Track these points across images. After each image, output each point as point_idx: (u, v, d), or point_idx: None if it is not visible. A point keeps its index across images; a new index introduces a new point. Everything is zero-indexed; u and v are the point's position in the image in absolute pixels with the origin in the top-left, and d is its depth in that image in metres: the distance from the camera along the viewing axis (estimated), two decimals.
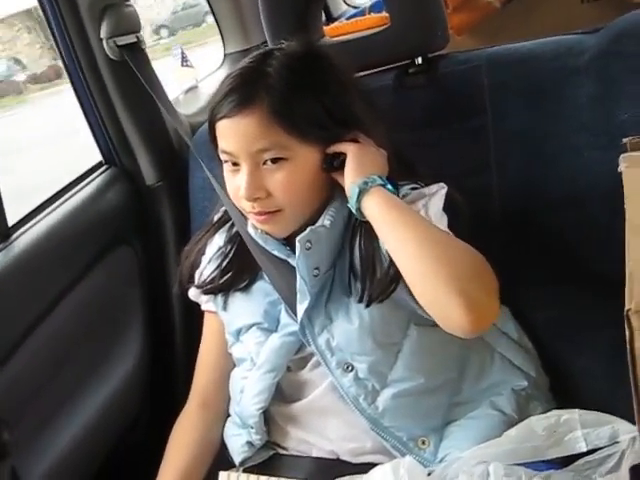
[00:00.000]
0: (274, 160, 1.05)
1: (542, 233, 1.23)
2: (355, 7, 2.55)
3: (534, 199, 1.24)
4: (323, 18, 2.09)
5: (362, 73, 1.33)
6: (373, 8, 1.88)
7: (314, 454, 1.14)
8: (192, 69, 1.93)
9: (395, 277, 1.03)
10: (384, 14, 1.36)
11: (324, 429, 1.13)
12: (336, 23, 1.64)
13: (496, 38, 1.39)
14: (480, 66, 1.28)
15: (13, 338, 1.22)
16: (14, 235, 1.31)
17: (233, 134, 1.06)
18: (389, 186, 1.03)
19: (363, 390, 1.07)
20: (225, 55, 2.06)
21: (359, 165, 1.05)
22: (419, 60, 1.33)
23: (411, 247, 0.99)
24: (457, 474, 1.00)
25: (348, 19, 1.82)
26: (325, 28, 1.46)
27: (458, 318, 0.94)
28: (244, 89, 1.05)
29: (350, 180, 1.04)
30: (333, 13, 2.50)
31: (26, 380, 1.21)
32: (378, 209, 1.02)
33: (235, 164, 1.08)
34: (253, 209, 1.08)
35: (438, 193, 1.08)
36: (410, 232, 0.99)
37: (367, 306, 1.06)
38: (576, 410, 1.01)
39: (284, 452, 1.17)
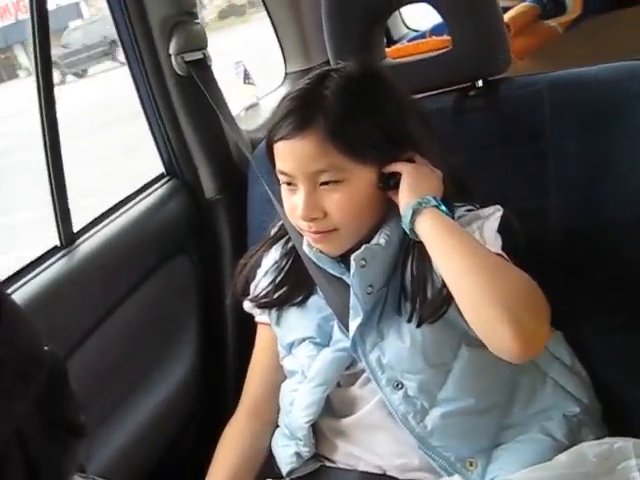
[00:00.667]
0: (331, 182, 1.06)
1: (599, 258, 1.22)
2: (416, 30, 2.56)
3: (592, 224, 1.23)
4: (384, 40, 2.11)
5: (422, 95, 1.34)
6: (434, 31, 1.90)
7: (361, 468, 1.14)
8: (253, 86, 1.97)
9: (447, 299, 1.03)
10: (446, 37, 1.38)
11: (372, 444, 1.13)
12: (397, 45, 1.66)
13: (558, 62, 1.38)
14: (541, 90, 1.28)
15: (73, 340, 1.25)
16: (78, 240, 1.36)
17: (290, 156, 1.07)
18: (443, 207, 1.03)
19: (412, 408, 1.07)
20: (286, 74, 2.09)
21: (414, 185, 1.05)
22: (480, 83, 1.34)
23: (462, 270, 0.99)
24: None
25: (409, 42, 1.84)
26: (387, 50, 1.47)
27: (507, 344, 0.94)
28: (301, 112, 1.06)
29: (404, 200, 1.05)
30: (393, 36, 2.52)
31: (84, 381, 1.24)
32: (431, 230, 1.02)
33: (292, 184, 1.09)
34: (309, 228, 1.09)
35: (493, 215, 1.08)
36: (462, 255, 1.00)
37: (418, 326, 1.06)
38: (630, 438, 1.00)
39: (331, 465, 1.17)
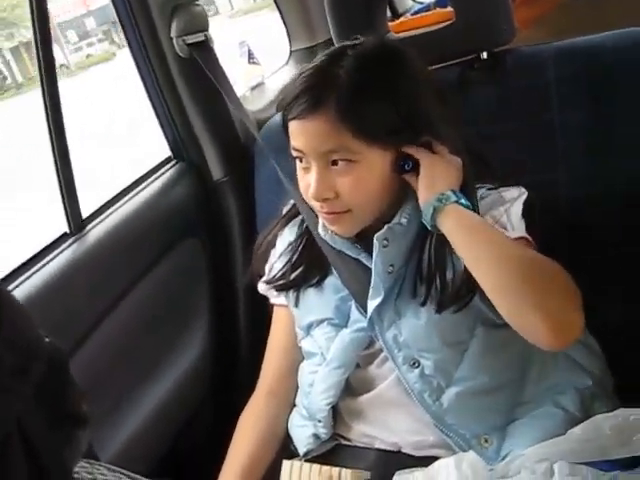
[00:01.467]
0: (342, 161, 1.04)
1: (608, 229, 1.21)
2: (420, 2, 2.54)
3: (601, 195, 1.22)
4: (388, 14, 2.09)
5: None
6: (439, 3, 1.87)
7: (377, 446, 1.15)
8: (259, 66, 1.96)
9: (471, 288, 1.02)
10: (450, 9, 1.36)
11: (388, 421, 1.13)
12: (401, 19, 1.64)
13: (564, 30, 1.36)
14: (547, 60, 1.27)
15: (85, 325, 1.27)
16: (88, 227, 1.36)
17: (302, 135, 1.06)
18: (463, 201, 1.02)
19: (428, 387, 1.07)
20: (291, 52, 2.07)
21: (432, 180, 1.03)
22: (484, 55, 1.32)
23: (489, 264, 0.98)
24: (519, 470, 1.00)
25: (413, 15, 1.82)
26: (390, 24, 1.46)
27: (543, 335, 0.94)
28: (314, 91, 1.04)
29: (423, 198, 1.03)
30: (398, 9, 2.49)
31: (96, 366, 1.26)
32: (453, 227, 1.01)
33: (306, 162, 1.08)
34: (322, 209, 1.09)
35: (519, 199, 1.07)
36: (487, 249, 0.99)
37: (437, 312, 1.06)
38: None
39: (347, 443, 1.18)
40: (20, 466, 0.37)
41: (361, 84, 1.04)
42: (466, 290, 1.02)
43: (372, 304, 1.09)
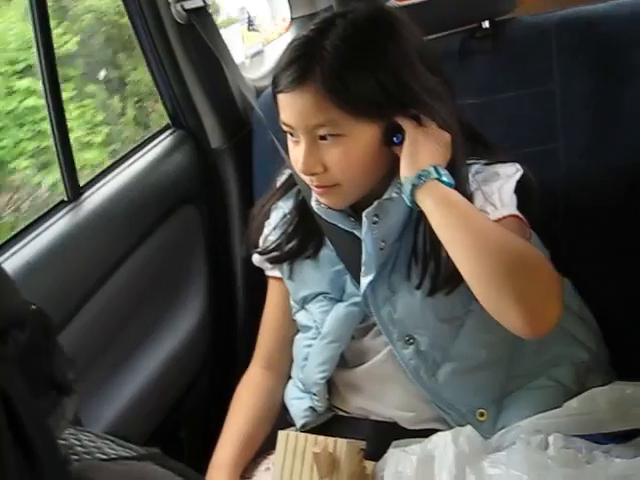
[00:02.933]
0: (330, 136, 1.02)
1: (606, 202, 1.21)
2: None
3: (601, 167, 1.21)
4: None
5: (427, 38, 1.31)
6: None
7: (372, 418, 1.15)
8: (258, 33, 1.94)
9: None
10: None
11: (383, 396, 1.13)
12: None
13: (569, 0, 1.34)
14: (549, 29, 1.25)
15: (82, 293, 1.26)
16: (85, 194, 1.35)
17: (290, 108, 1.04)
18: (444, 178, 0.99)
19: (424, 363, 1.07)
20: (292, 19, 2.04)
21: (415, 155, 1.01)
22: (486, 24, 1.30)
23: (465, 249, 0.96)
24: (514, 441, 1.00)
25: None
26: None
27: (518, 324, 0.93)
28: (300, 64, 1.02)
29: (404, 172, 1.01)
30: None
31: (93, 334, 1.26)
32: (431, 205, 0.98)
33: (295, 135, 1.06)
34: (312, 182, 1.07)
35: (514, 176, 1.05)
36: (465, 232, 0.96)
37: (429, 295, 1.04)
38: None
39: (344, 414, 1.18)
40: (3, 432, 0.37)
41: (346, 56, 1.01)
42: (459, 275, 0.99)
43: (365, 281, 1.08)
